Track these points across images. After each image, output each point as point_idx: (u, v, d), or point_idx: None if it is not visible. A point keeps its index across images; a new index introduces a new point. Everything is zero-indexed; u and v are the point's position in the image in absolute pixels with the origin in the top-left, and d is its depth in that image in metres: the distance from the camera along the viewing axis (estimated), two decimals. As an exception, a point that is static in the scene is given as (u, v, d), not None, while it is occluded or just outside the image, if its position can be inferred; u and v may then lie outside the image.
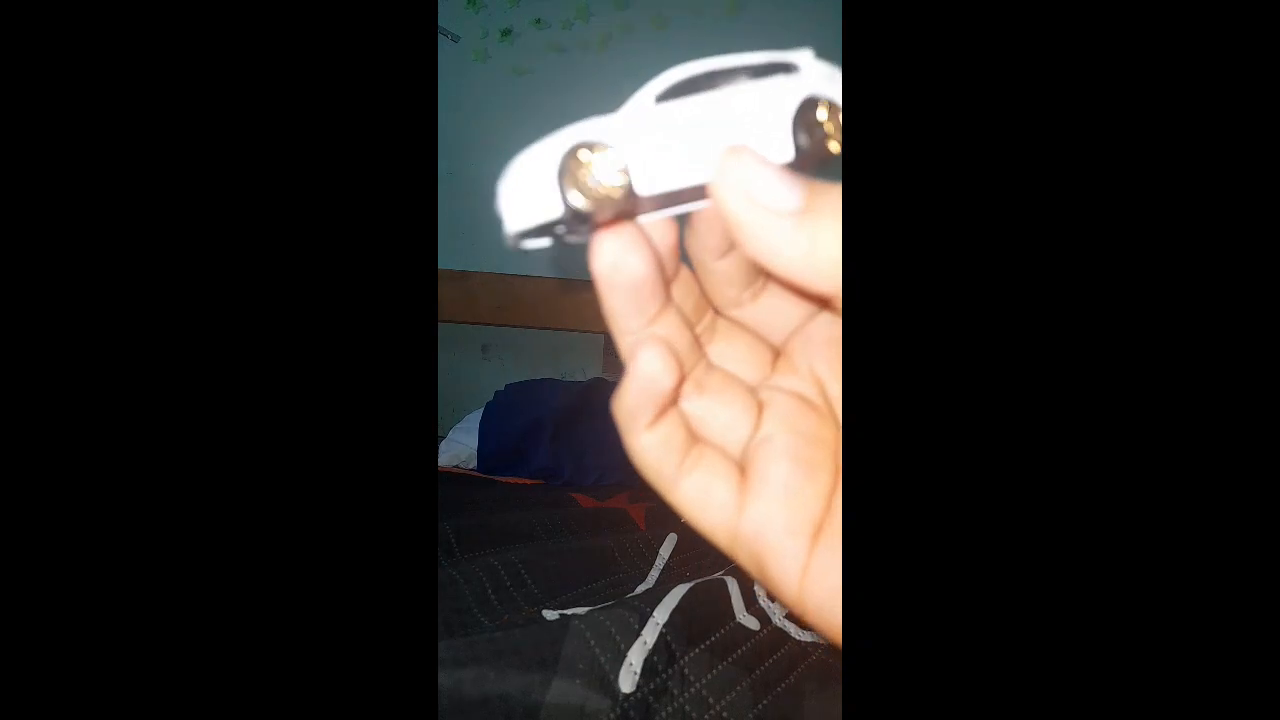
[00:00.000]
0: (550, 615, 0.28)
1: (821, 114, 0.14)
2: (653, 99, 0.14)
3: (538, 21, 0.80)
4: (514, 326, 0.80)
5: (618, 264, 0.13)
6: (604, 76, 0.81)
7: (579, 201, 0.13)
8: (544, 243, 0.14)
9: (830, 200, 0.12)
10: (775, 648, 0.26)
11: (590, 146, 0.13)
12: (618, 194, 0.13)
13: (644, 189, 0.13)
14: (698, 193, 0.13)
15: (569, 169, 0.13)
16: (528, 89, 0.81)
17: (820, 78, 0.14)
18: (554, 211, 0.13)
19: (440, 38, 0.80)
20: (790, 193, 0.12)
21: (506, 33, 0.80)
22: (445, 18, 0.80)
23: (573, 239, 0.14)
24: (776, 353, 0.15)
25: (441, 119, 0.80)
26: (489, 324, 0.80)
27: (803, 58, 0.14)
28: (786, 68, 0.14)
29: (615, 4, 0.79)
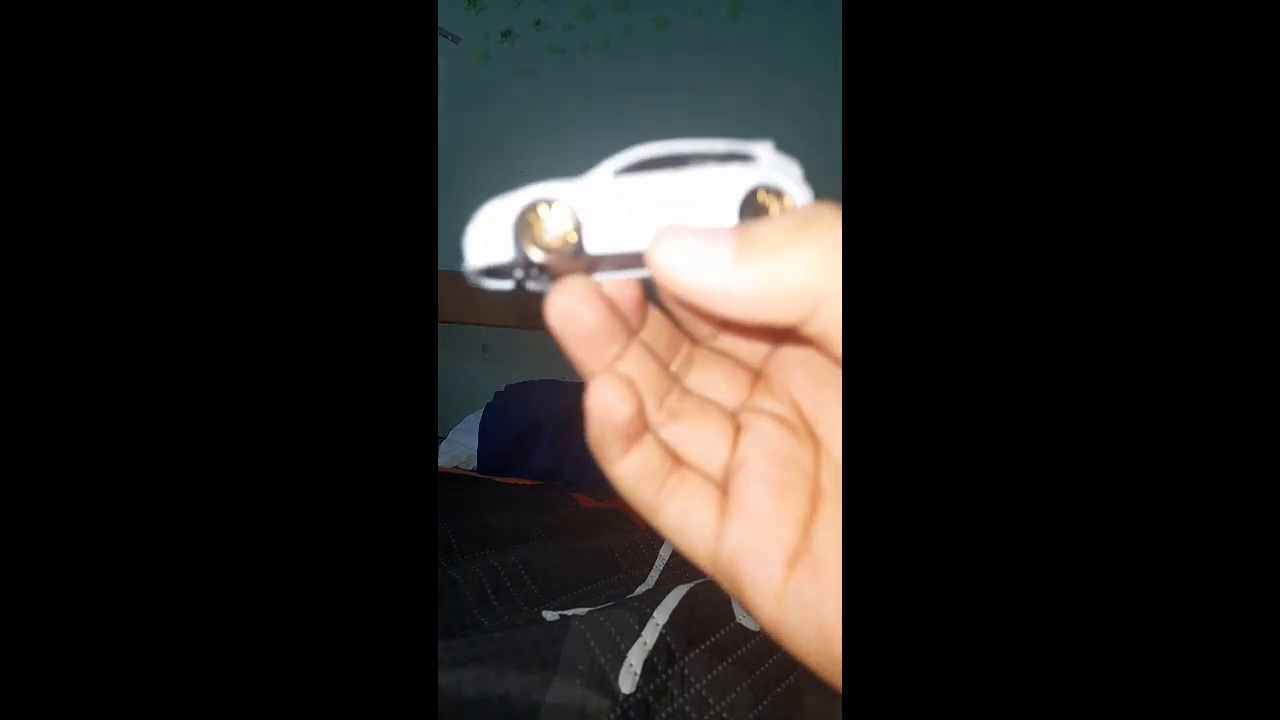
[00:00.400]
0: (550, 616, 0.28)
1: (768, 202, 0.15)
2: (613, 171, 0.15)
3: (538, 23, 0.80)
4: (514, 327, 0.80)
5: (568, 315, 0.14)
6: (605, 78, 0.81)
7: (531, 251, 0.15)
8: (506, 285, 0.16)
9: (768, 234, 0.12)
10: (775, 648, 0.26)
11: (547, 203, 0.15)
12: (565, 249, 0.14)
13: (592, 248, 0.14)
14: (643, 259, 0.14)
15: (525, 220, 0.15)
16: (529, 90, 0.81)
17: (774, 168, 0.15)
18: (505, 256, 0.15)
19: (441, 39, 0.80)
20: (722, 239, 0.12)
21: (507, 34, 0.80)
22: (446, 19, 0.80)
23: (533, 286, 0.15)
24: (756, 375, 0.16)
25: (442, 120, 0.80)
26: (489, 324, 0.80)
27: (763, 149, 0.15)
28: (745, 157, 0.15)
29: (615, 6, 0.79)
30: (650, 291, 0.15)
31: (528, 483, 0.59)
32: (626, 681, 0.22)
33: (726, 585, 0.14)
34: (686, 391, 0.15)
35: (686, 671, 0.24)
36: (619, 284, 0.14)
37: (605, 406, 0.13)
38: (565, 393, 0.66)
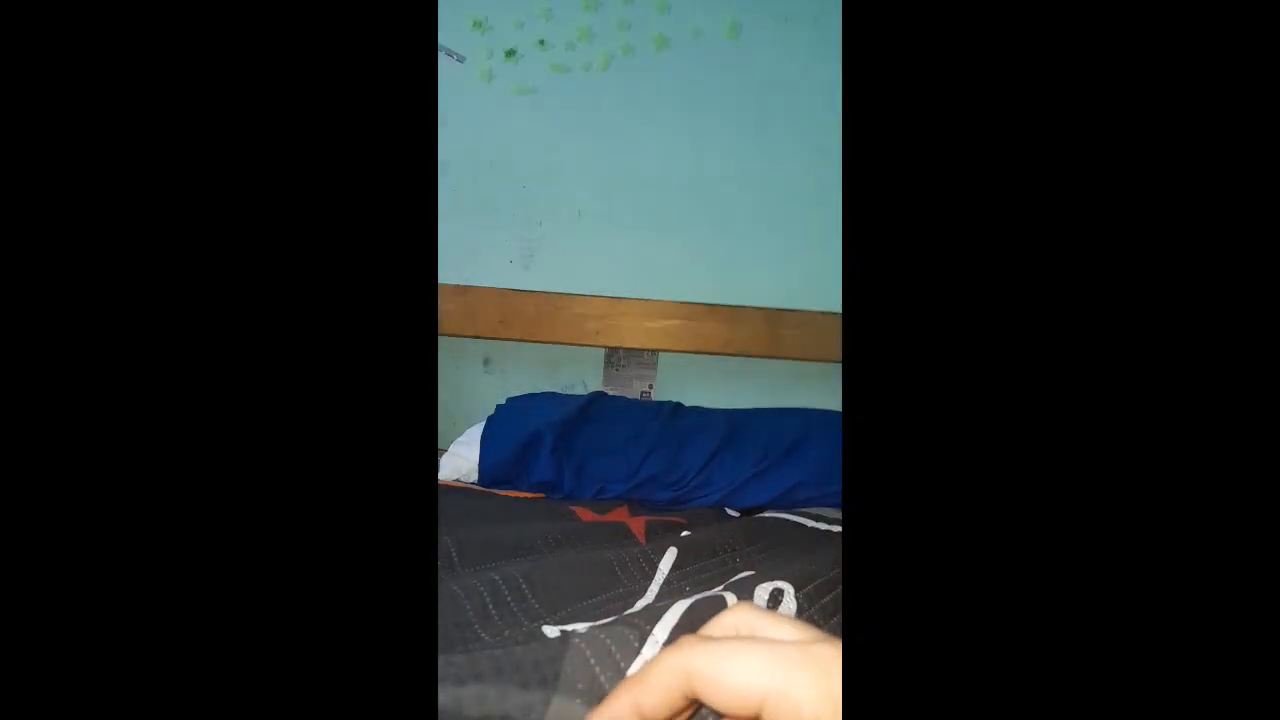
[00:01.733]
0: (550, 631, 0.28)
1: None
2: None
3: (541, 43, 0.81)
4: (515, 340, 0.81)
5: None
6: (607, 96, 0.82)
7: None
8: None
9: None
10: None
11: None
12: None
13: None
14: None
15: None
16: (531, 108, 0.82)
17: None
18: None
19: (447, 58, 0.82)
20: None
21: (511, 53, 0.82)
22: (451, 39, 0.82)
23: None
24: None
25: (447, 137, 0.81)
26: (490, 338, 0.80)
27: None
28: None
29: (617, 26, 0.81)
30: None
31: (528, 495, 0.59)
32: (626, 698, 0.22)
33: None
34: None
35: (687, 688, 0.23)
36: None
37: None
38: (565, 406, 0.66)
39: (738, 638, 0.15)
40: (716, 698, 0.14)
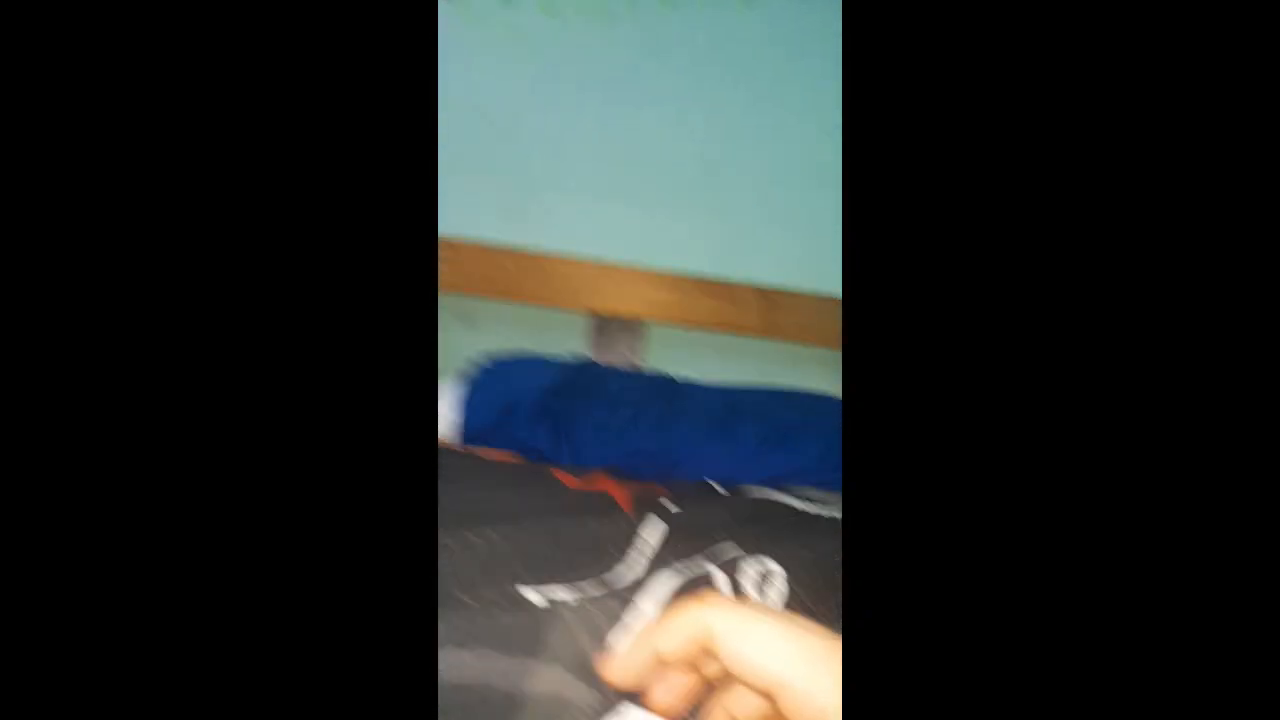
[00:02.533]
0: (534, 598, 0.27)
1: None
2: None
3: (543, -10, 0.77)
4: (501, 299, 0.79)
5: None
6: (608, 53, 0.78)
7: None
8: None
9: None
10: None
11: None
12: None
13: None
14: None
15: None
16: (527, 61, 0.78)
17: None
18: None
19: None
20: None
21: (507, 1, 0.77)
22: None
23: None
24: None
25: (445, 85, 0.76)
26: (477, 295, 0.78)
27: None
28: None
29: (625, -26, 0.77)
30: None
31: (510, 458, 0.59)
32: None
33: None
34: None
35: (670, 660, 0.23)
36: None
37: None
38: (552, 371, 0.65)
39: (769, 610, 0.16)
40: (734, 663, 0.15)
